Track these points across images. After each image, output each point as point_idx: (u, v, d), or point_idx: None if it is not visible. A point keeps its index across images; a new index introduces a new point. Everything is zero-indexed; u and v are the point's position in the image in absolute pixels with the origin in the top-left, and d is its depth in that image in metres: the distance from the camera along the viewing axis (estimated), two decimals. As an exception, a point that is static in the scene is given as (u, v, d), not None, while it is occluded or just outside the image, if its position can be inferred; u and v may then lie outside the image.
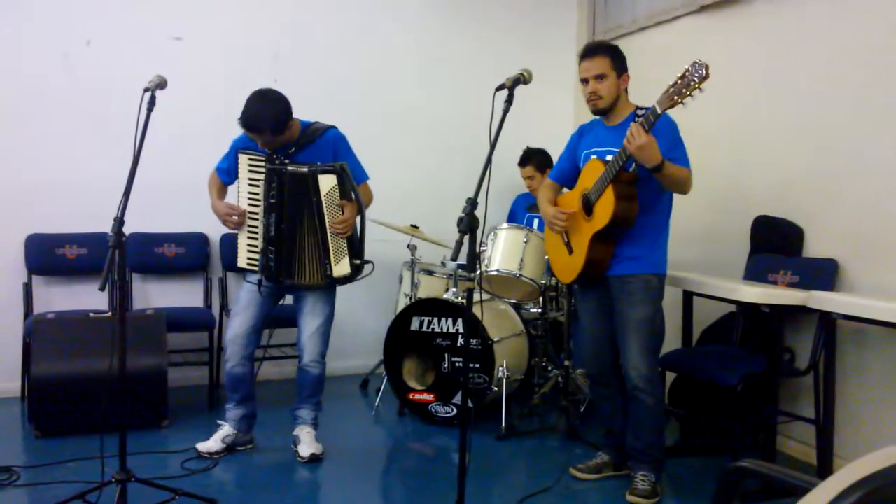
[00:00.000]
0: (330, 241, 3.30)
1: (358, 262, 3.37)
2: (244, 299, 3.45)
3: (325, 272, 3.32)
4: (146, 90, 2.84)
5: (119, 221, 2.65)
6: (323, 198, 3.27)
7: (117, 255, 2.63)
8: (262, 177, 3.30)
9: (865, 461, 1.08)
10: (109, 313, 3.96)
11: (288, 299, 3.62)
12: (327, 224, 3.29)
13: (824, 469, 3.22)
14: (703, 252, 4.16)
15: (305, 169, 3.26)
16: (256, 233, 3.34)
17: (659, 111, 2.75)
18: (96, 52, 4.44)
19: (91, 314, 3.90)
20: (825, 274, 3.41)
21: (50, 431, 3.65)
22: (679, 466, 3.45)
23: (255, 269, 3.36)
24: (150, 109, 2.82)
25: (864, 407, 3.32)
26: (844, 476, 1.03)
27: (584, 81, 3.11)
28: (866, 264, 3.32)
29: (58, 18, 4.38)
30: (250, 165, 3.33)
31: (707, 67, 2.63)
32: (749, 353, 3.53)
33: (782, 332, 3.51)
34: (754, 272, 3.73)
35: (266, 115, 3.18)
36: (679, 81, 2.69)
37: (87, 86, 4.42)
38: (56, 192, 4.39)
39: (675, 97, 2.69)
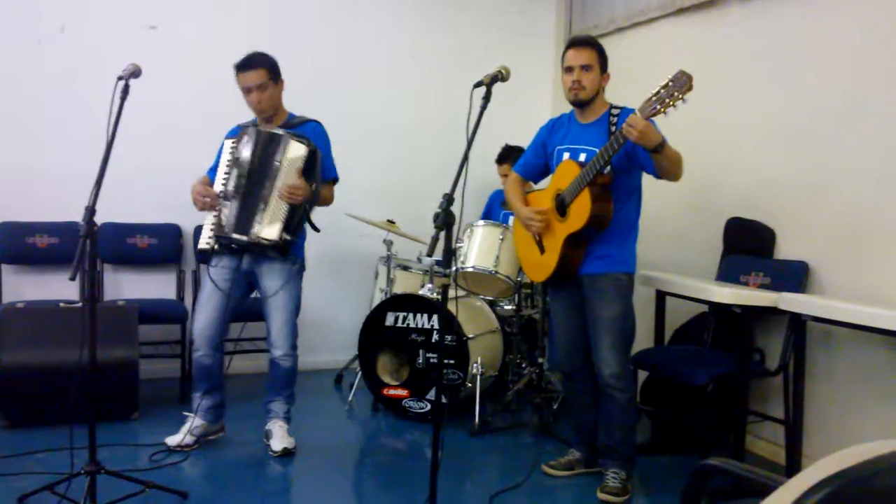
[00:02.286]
0: (271, 200, 3.24)
1: (288, 237, 3.28)
2: (208, 289, 3.41)
3: (252, 228, 3.23)
4: (120, 79, 2.80)
5: (90, 211, 2.61)
6: (285, 160, 3.23)
7: (88, 245, 2.60)
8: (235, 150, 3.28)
9: (832, 459, 1.10)
10: (80, 304, 3.91)
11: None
12: (277, 186, 3.23)
13: (793, 468, 3.27)
14: (676, 252, 4.20)
15: (281, 131, 3.27)
16: (219, 207, 3.29)
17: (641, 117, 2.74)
18: (70, 38, 4.38)
19: (62, 304, 3.85)
20: (796, 276, 3.45)
21: (18, 422, 3.60)
22: (650, 464, 3.48)
23: (205, 246, 3.29)
24: (123, 98, 2.78)
25: (833, 407, 3.37)
26: (810, 474, 1.05)
27: (569, 70, 3.11)
28: (836, 267, 3.37)
29: (31, 4, 4.31)
30: (230, 147, 3.32)
31: (691, 79, 2.63)
32: (720, 353, 3.57)
33: (753, 333, 3.55)
34: (726, 273, 3.77)
35: (261, 55, 3.33)
36: (662, 91, 2.68)
37: (61, 73, 4.35)
38: (28, 181, 4.32)
39: (658, 106, 2.69)
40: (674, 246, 4.22)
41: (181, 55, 4.55)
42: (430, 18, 5.26)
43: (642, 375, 3.87)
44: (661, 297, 3.85)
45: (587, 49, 3.09)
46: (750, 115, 3.85)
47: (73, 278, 2.51)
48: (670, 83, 2.67)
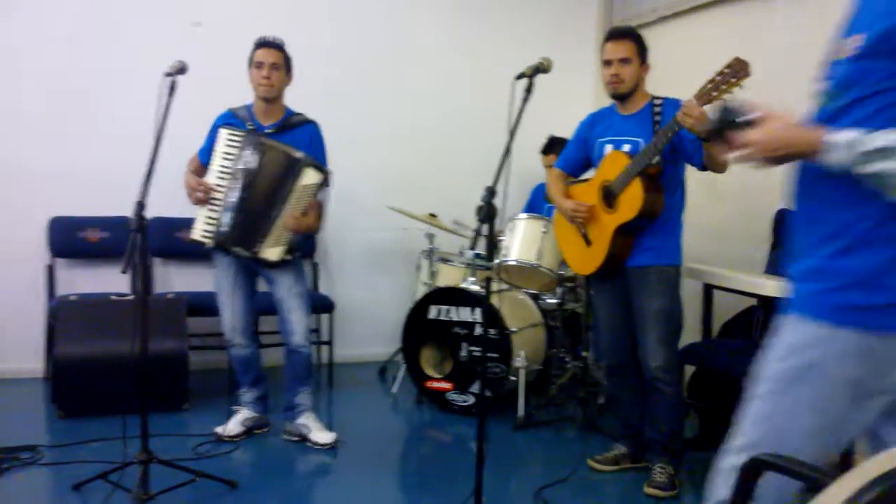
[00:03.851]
0: (276, 226, 3.26)
1: (289, 257, 3.34)
2: (224, 284, 3.43)
3: (254, 248, 3.26)
4: (167, 75, 2.86)
5: (140, 205, 2.67)
6: (298, 187, 3.25)
7: (139, 239, 2.65)
8: (236, 151, 3.27)
9: (885, 457, 1.07)
10: (131, 296, 4.00)
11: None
12: (285, 211, 3.25)
13: (845, 463, 3.18)
14: (721, 245, 4.12)
15: (301, 154, 3.26)
16: (219, 207, 3.29)
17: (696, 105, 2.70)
18: (113, 35, 4.46)
19: (113, 297, 3.94)
20: (848, 268, 3.36)
21: (73, 412, 3.70)
22: (698, 460, 3.42)
23: (204, 241, 3.31)
24: (170, 95, 2.84)
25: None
26: (864, 471, 1.02)
27: (608, 63, 3.08)
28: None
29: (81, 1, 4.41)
30: (228, 140, 3.31)
31: (748, 66, 2.57)
32: (769, 346, 3.49)
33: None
34: (775, 267, 3.69)
35: (280, 40, 3.38)
36: (718, 78, 2.63)
37: (109, 71, 4.45)
38: (79, 176, 4.43)
39: (713, 93, 2.63)
40: (722, 239, 4.14)
41: (225, 51, 4.60)
42: (472, 9, 5.24)
43: (689, 370, 3.81)
44: (708, 290, 3.78)
45: (625, 41, 3.06)
46: (795, 104, 3.74)
47: (124, 271, 2.57)
48: (726, 70, 2.62)
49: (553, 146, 4.66)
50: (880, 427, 1.54)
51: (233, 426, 3.46)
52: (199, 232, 3.32)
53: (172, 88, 2.85)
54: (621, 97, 3.11)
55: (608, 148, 3.14)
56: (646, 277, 3.06)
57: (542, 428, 3.86)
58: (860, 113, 1.38)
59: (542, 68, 2.65)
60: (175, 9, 4.56)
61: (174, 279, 4.65)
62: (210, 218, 3.29)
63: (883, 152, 1.31)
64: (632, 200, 2.95)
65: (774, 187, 3.84)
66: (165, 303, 3.97)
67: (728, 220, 4.13)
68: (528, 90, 2.59)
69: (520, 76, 2.63)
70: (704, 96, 2.67)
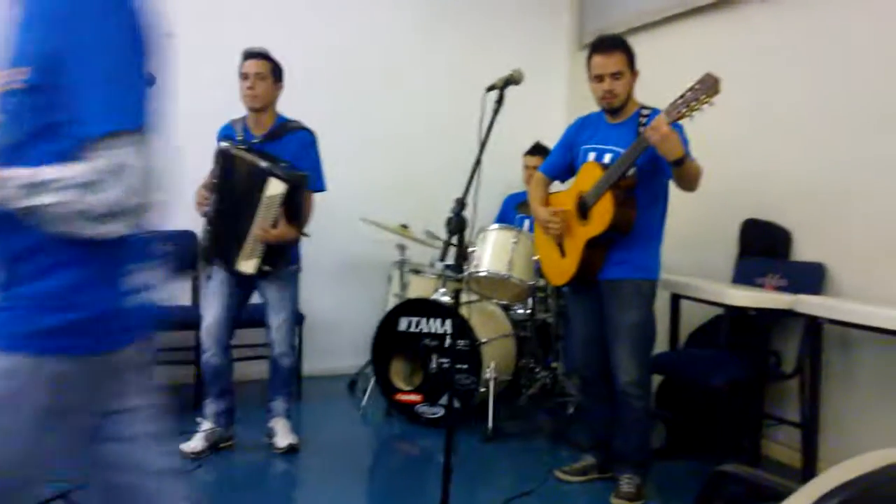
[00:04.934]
0: (248, 238, 3.26)
1: (268, 268, 3.31)
2: (212, 291, 3.45)
3: (229, 262, 3.30)
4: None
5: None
6: (264, 198, 3.22)
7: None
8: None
9: (844, 467, 1.09)
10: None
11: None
12: (255, 222, 3.24)
13: (809, 472, 3.23)
14: (691, 255, 4.16)
15: (265, 164, 3.22)
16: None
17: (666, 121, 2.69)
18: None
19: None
20: (812, 278, 3.42)
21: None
22: (664, 469, 3.45)
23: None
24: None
25: (850, 411, 3.34)
26: (823, 482, 1.03)
27: (599, 78, 3.03)
28: (853, 268, 3.33)
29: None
30: (215, 164, 3.33)
31: (718, 82, 2.58)
32: (736, 356, 3.53)
33: (769, 336, 3.52)
34: (742, 275, 3.74)
35: (265, 51, 3.42)
36: (688, 94, 2.63)
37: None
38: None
39: (683, 109, 2.64)
40: (689, 248, 4.18)
41: (208, 61, 4.56)
42: (443, 20, 5.26)
43: (657, 379, 3.83)
44: (675, 300, 3.82)
45: (615, 54, 3.00)
46: (766, 116, 3.81)
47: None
48: (697, 86, 2.62)
49: (538, 149, 4.70)
50: (96, 450, 1.51)
51: (196, 442, 3.41)
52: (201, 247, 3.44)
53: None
54: (615, 110, 3.08)
55: (591, 155, 3.13)
56: (619, 291, 3.05)
57: (511, 439, 3.85)
58: (37, 148, 1.33)
59: (512, 80, 2.66)
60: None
61: (140, 292, 4.57)
62: (204, 234, 3.38)
63: (37, 187, 1.26)
64: (602, 214, 2.95)
65: (741, 196, 3.91)
66: (131, 316, 3.90)
67: (695, 229, 4.17)
68: (499, 102, 2.61)
69: (490, 88, 2.65)
70: (674, 112, 2.67)
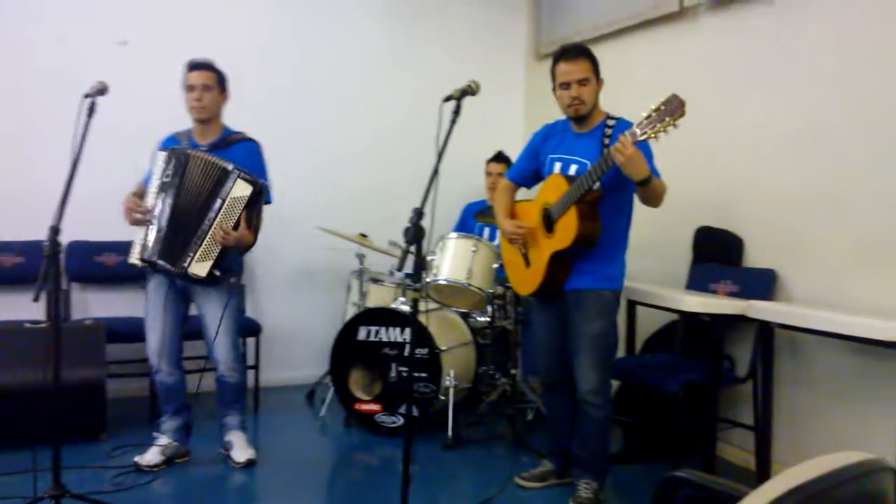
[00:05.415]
0: (206, 240, 3.19)
1: (218, 273, 3.23)
2: (153, 308, 3.36)
3: (183, 263, 3.19)
4: (86, 96, 2.79)
5: (54, 230, 2.59)
6: (229, 199, 3.19)
7: (52, 264, 2.56)
8: (165, 166, 3.24)
9: (798, 470, 1.11)
10: (46, 323, 3.84)
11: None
12: (215, 224, 3.18)
13: (762, 474, 3.30)
14: (646, 261, 4.22)
15: (232, 165, 3.20)
16: (153, 227, 3.23)
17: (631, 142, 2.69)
18: (39, 55, 4.32)
19: (27, 324, 3.78)
20: (764, 283, 3.49)
21: (-19, 445, 3.52)
22: (622, 473, 3.49)
23: (135, 263, 3.26)
24: (89, 116, 2.77)
25: (802, 413, 3.41)
26: (771, 487, 1.06)
27: (565, 86, 3.02)
28: (803, 274, 3.41)
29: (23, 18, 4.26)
30: (161, 161, 3.28)
31: (684, 104, 2.58)
32: (691, 360, 3.59)
33: (723, 341, 3.58)
34: (696, 281, 3.81)
35: (214, 64, 3.38)
36: (654, 114, 2.63)
37: (30, 88, 4.30)
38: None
39: (648, 130, 2.64)
40: (644, 255, 4.22)
41: (152, 70, 4.51)
42: (402, 30, 5.28)
43: (615, 384, 3.88)
44: (631, 306, 3.87)
45: (581, 60, 3.00)
46: (718, 125, 3.89)
47: (36, 299, 2.48)
48: (662, 107, 2.62)
49: (501, 157, 4.73)
50: None
51: (152, 456, 3.36)
52: (134, 255, 3.27)
53: (91, 110, 2.78)
54: (582, 118, 3.07)
55: (557, 166, 3.13)
56: (584, 301, 3.07)
57: (471, 446, 3.86)
58: None
59: (469, 91, 2.67)
60: (101, 27, 4.44)
61: (93, 305, 4.49)
62: (143, 239, 3.25)
63: None
64: (567, 229, 2.95)
65: (695, 204, 3.98)
66: (83, 329, 3.82)
67: (650, 237, 4.23)
68: (456, 112, 2.62)
69: (447, 99, 2.65)
70: (640, 132, 2.66)
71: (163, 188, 3.22)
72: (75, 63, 4.31)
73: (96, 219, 4.26)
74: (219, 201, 3.18)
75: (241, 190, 3.20)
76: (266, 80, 4.79)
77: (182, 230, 3.20)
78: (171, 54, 4.27)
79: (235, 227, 3.20)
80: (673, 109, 2.61)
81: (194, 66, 3.36)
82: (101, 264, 4.45)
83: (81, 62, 4.30)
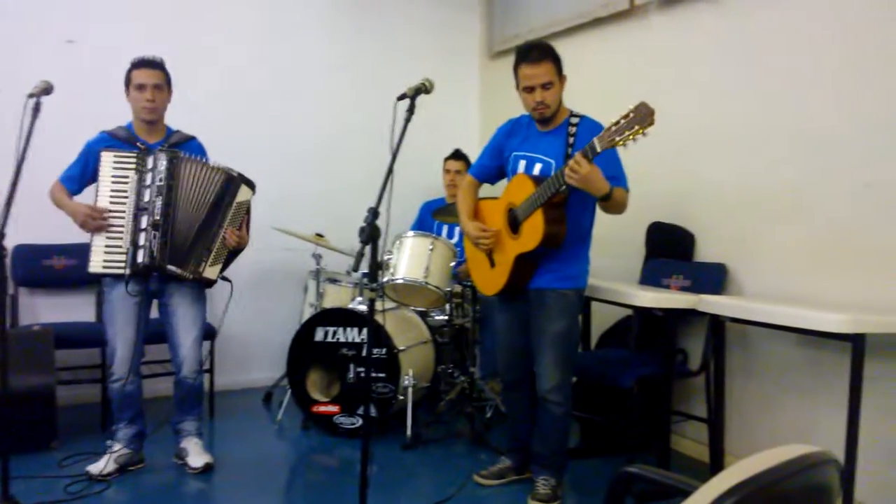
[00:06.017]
0: (217, 245, 3.29)
1: (222, 276, 3.40)
2: (122, 315, 3.27)
3: (199, 268, 3.27)
4: (30, 96, 2.73)
5: (-1, 235, 2.53)
6: (235, 204, 3.31)
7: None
8: (130, 172, 3.20)
9: (743, 465, 1.13)
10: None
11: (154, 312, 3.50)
12: (224, 228, 3.30)
13: (716, 466, 3.36)
14: (600, 258, 4.25)
15: (235, 172, 3.32)
16: (120, 233, 3.19)
17: (598, 149, 2.68)
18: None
19: (-29, 331, 3.68)
20: (715, 278, 3.56)
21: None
22: (579, 468, 3.53)
23: (115, 271, 3.19)
24: (34, 117, 2.70)
25: (753, 405, 3.49)
26: (721, 481, 1.08)
27: (529, 90, 3.01)
28: (752, 268, 3.49)
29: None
30: (116, 163, 3.21)
31: (653, 113, 2.57)
32: (645, 355, 3.64)
33: (675, 334, 3.64)
34: (649, 276, 3.86)
35: (160, 59, 3.33)
36: (622, 121, 2.62)
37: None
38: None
39: (616, 137, 2.63)
40: (598, 250, 4.26)
41: (99, 70, 4.41)
42: (355, 29, 5.25)
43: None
44: (586, 302, 3.91)
45: (544, 63, 2.97)
46: (669, 122, 3.92)
47: (-21, 306, 2.41)
48: (631, 114, 2.60)
49: (459, 155, 4.73)
50: None
51: (105, 464, 3.29)
52: (99, 264, 3.19)
53: (36, 110, 2.72)
54: (548, 120, 3.07)
55: (521, 164, 3.12)
56: (546, 300, 3.08)
57: (430, 445, 3.86)
58: None
59: (423, 89, 2.68)
60: (48, 26, 4.33)
61: (41, 310, 4.38)
62: (111, 247, 3.19)
63: None
64: (534, 231, 2.95)
65: (647, 200, 4.02)
66: (30, 335, 3.73)
67: (604, 233, 4.28)
68: (410, 111, 2.62)
69: (401, 97, 2.65)
70: (607, 139, 2.65)
71: (145, 192, 3.18)
72: (18, 62, 4.20)
73: (43, 222, 4.16)
74: (226, 207, 3.29)
75: (244, 195, 3.35)
76: (217, 79, 4.73)
77: (190, 236, 3.24)
78: (119, 53, 4.19)
79: (240, 230, 3.36)
80: (642, 118, 2.59)
81: (144, 63, 3.29)
82: (49, 268, 4.35)
83: (25, 61, 4.19)
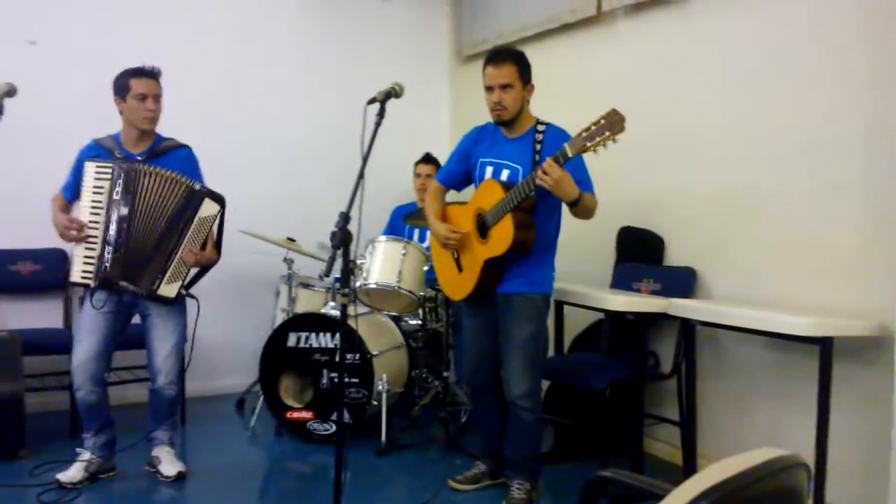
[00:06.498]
0: (174, 261, 3.20)
1: (185, 293, 3.29)
2: (88, 322, 3.23)
3: (153, 286, 3.18)
4: (-7, 98, 2.69)
5: (-36, 241, 2.48)
6: (198, 219, 3.19)
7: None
8: (106, 183, 3.15)
9: (713, 470, 1.15)
10: (-43, 338, 3.67)
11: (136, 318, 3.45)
12: (182, 245, 3.19)
13: (689, 468, 3.40)
14: (572, 261, 4.28)
15: (199, 185, 3.22)
16: (94, 244, 3.16)
17: (570, 154, 2.71)
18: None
19: (-64, 339, 3.61)
20: (685, 281, 3.60)
21: None
22: (553, 472, 3.54)
23: (87, 282, 3.17)
24: (-3, 119, 2.66)
25: (724, 407, 3.53)
26: (693, 485, 1.09)
27: (489, 89, 3.04)
28: (721, 272, 3.53)
29: None
30: (97, 173, 3.17)
31: (623, 120, 2.61)
32: (617, 358, 3.67)
33: (647, 338, 3.68)
34: (620, 280, 3.90)
35: (158, 69, 3.28)
36: (593, 128, 2.64)
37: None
38: None
39: (587, 143, 2.65)
40: (569, 255, 4.29)
41: (64, 72, 4.35)
42: (325, 33, 5.23)
43: (544, 384, 3.93)
44: (559, 306, 3.94)
45: (506, 65, 3.00)
46: (638, 127, 3.95)
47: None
48: (602, 121, 2.63)
49: (429, 158, 4.73)
50: None
51: (75, 472, 3.24)
52: (78, 274, 3.18)
53: None
54: (505, 123, 3.08)
55: (488, 170, 3.13)
56: (514, 304, 3.09)
57: (405, 451, 3.86)
58: None
59: (393, 93, 2.68)
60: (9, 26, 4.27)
61: (9, 315, 4.31)
62: (88, 257, 3.15)
63: None
64: (503, 236, 2.96)
65: (618, 205, 4.06)
66: (-3, 342, 3.67)
67: (575, 237, 4.31)
68: (381, 115, 2.62)
69: (371, 101, 2.65)
70: (579, 145, 2.68)
71: (111, 205, 3.13)
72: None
73: (10, 226, 4.11)
74: (186, 222, 3.17)
75: (208, 209, 3.22)
76: (187, 83, 4.67)
77: (145, 251, 3.16)
78: (83, 54, 4.15)
79: (203, 247, 3.23)
80: (612, 124, 2.62)
81: (145, 73, 3.23)
82: (16, 273, 4.28)
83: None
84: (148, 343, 3.34)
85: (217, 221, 3.28)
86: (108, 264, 3.13)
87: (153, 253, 3.18)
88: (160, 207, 3.17)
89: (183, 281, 3.24)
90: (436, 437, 4.04)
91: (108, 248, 3.13)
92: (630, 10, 4.03)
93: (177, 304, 3.33)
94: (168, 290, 3.20)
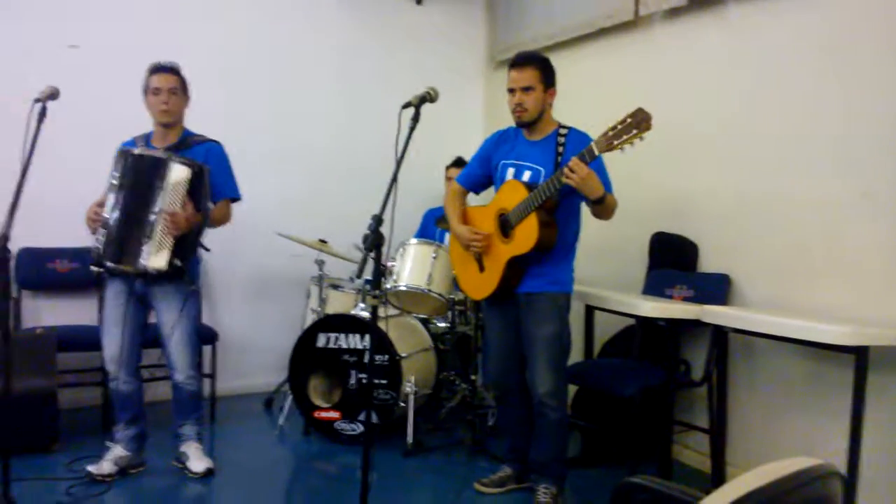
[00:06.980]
0: (156, 231, 3.12)
1: (179, 263, 3.17)
2: (112, 315, 3.29)
3: (139, 260, 3.11)
4: (37, 101, 2.75)
5: (3, 237, 2.54)
6: (167, 185, 3.13)
7: (1, 273, 2.51)
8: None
9: (747, 478, 1.13)
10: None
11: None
12: (160, 213, 3.12)
13: (717, 477, 3.35)
14: (603, 267, 4.27)
15: (164, 154, 3.19)
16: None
17: (596, 152, 2.74)
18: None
19: (-26, 333, 3.69)
20: (718, 288, 3.55)
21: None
22: (581, 477, 3.52)
23: (94, 267, 3.19)
24: (39, 121, 2.72)
25: (755, 416, 3.48)
26: (723, 495, 1.08)
27: (511, 91, 3.08)
28: (756, 279, 3.48)
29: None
30: (114, 164, 3.21)
31: (650, 118, 2.63)
32: (647, 365, 3.64)
33: (678, 345, 3.64)
34: (652, 286, 3.86)
35: (176, 65, 3.35)
36: (620, 126, 2.66)
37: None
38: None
39: (614, 141, 2.68)
40: (601, 260, 4.29)
41: (104, 73, 4.43)
42: (361, 37, 5.26)
43: (573, 389, 3.91)
44: (589, 311, 3.91)
45: (528, 68, 3.05)
46: (673, 133, 3.94)
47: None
48: (629, 119, 2.64)
49: (461, 162, 4.74)
50: None
51: (105, 465, 3.29)
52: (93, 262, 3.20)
53: (42, 115, 2.74)
54: (526, 124, 3.12)
55: (510, 172, 3.15)
56: (536, 304, 3.10)
57: (431, 453, 3.86)
58: None
59: (428, 98, 2.69)
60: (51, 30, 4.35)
61: (44, 313, 4.38)
62: (95, 244, 3.19)
63: None
64: (528, 235, 2.98)
65: (651, 210, 4.04)
66: (32, 338, 3.74)
67: (607, 242, 4.29)
68: (415, 119, 2.63)
69: (406, 105, 2.66)
70: (605, 143, 2.70)
71: (114, 191, 3.16)
72: (25, 67, 4.21)
73: (48, 225, 4.18)
74: (159, 190, 3.13)
75: (178, 174, 3.15)
76: (223, 83, 4.73)
77: (130, 228, 3.13)
78: (123, 57, 4.21)
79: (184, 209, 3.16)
80: (639, 122, 2.64)
81: (159, 69, 3.33)
82: (52, 271, 4.35)
83: (32, 66, 4.21)
84: (161, 339, 3.37)
85: (195, 187, 3.19)
86: (101, 248, 3.14)
87: (131, 226, 3.13)
88: (141, 184, 3.15)
89: (171, 249, 3.14)
90: (462, 440, 4.03)
91: (102, 232, 3.14)
92: (667, 14, 4.00)
93: (182, 289, 3.29)
94: (156, 260, 3.12)
